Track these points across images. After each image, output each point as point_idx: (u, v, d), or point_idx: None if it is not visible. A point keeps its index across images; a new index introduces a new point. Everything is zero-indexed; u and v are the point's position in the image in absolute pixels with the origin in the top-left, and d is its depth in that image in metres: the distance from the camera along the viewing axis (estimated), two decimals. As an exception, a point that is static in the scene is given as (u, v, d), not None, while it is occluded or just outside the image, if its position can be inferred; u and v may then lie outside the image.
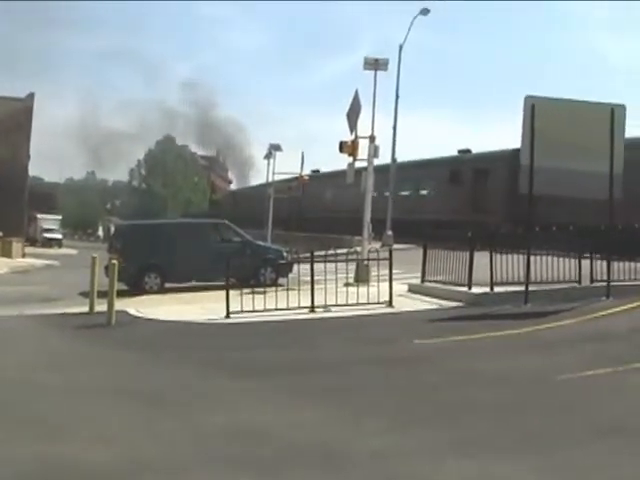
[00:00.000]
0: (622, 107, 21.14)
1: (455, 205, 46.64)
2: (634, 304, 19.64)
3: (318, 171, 69.71)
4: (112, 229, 35.63)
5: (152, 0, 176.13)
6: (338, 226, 52.31)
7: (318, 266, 22.26)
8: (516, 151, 22.65)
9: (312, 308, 20.97)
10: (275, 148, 60.65)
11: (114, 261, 22.22)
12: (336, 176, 51.16)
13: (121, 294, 23.71)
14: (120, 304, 21.64)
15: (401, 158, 51.49)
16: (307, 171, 63.20)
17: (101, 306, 21.13)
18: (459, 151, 50.61)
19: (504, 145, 42.55)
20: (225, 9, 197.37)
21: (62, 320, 21.02)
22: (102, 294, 21.45)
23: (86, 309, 22.15)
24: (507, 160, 40.28)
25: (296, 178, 60.07)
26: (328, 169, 66.15)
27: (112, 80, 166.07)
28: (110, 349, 16.55)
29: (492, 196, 43.74)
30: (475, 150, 49.93)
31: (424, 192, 52.94)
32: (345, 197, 53.96)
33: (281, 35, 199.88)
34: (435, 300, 22.27)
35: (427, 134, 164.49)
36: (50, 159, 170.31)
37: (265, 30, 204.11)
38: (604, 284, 21.07)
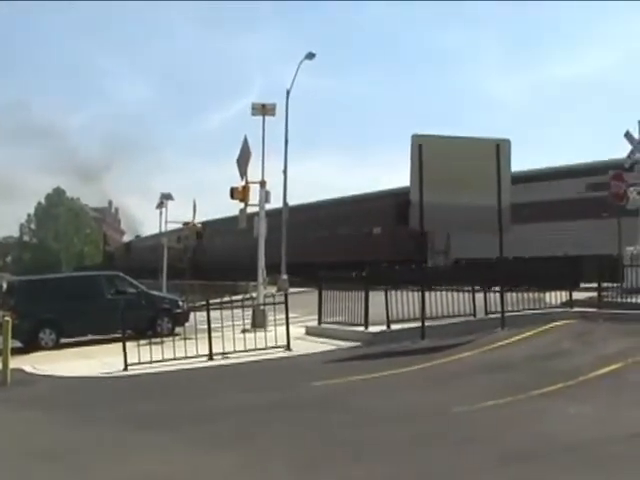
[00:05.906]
0: (507, 142, 21.65)
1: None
2: (528, 333, 20.04)
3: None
4: (4, 286, 34.94)
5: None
6: (234, 273, 52.87)
7: (215, 314, 22.23)
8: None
9: (210, 356, 20.82)
10: (166, 197, 60.24)
11: (7, 318, 21.80)
12: (230, 222, 54.63)
13: (16, 351, 23.16)
14: (15, 362, 21.17)
15: (293, 202, 52.18)
16: (202, 219, 63.22)
17: (-4, 365, 20.66)
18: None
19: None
20: (110, 62, 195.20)
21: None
22: (-4, 353, 20.99)
23: (-21, 370, 21.64)
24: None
25: (187, 224, 59.46)
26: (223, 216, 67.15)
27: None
28: (6, 409, 16.18)
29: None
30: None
31: None
32: (239, 243, 58.84)
33: (169, 85, 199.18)
34: (333, 341, 22.36)
35: (319, 177, 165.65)
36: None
37: (150, 81, 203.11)
38: (499, 315, 21.43)
